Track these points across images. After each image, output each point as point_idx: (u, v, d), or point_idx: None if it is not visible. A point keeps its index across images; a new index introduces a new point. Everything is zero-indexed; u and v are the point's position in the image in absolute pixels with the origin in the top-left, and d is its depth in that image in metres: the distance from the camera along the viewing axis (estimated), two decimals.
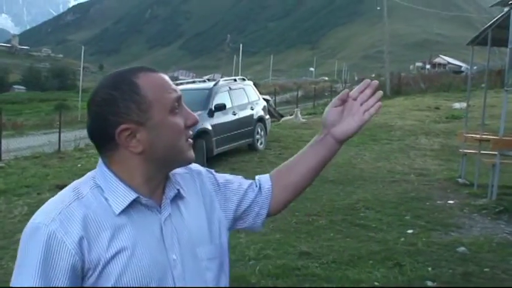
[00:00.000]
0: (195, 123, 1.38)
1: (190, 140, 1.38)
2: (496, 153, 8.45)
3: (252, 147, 13.76)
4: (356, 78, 56.49)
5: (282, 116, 23.28)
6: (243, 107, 13.57)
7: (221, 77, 19.84)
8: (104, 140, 1.31)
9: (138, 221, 1.31)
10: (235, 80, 14.70)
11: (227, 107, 12.61)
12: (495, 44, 10.30)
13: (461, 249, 6.07)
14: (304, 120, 21.20)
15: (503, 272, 5.29)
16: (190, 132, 1.38)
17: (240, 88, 13.99)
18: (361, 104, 1.50)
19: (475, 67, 59.52)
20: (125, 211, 1.29)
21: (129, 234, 1.28)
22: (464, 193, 9.15)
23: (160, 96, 1.31)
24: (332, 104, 1.53)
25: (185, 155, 1.37)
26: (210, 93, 12.45)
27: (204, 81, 16.31)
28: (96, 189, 1.31)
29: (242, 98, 13.80)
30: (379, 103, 1.50)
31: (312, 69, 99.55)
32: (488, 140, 9.25)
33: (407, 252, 6.02)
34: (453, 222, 7.30)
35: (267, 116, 15.14)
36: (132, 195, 1.30)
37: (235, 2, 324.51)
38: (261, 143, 14.21)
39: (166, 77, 1.36)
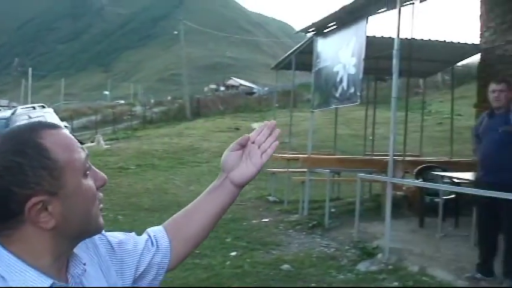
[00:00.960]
0: (105, 183, 1.19)
1: (101, 205, 1.18)
2: (305, 170, 8.94)
3: None
4: (152, 101, 56.39)
5: (82, 143, 22.08)
6: None
7: (8, 103, 18.49)
8: (2, 217, 1.05)
9: None
10: (34, 107, 13.83)
11: None
12: (298, 68, 11.01)
13: (285, 266, 6.27)
14: (107, 146, 20.54)
15: (329, 285, 5.57)
16: (101, 195, 1.18)
17: (40, 116, 13.11)
18: (259, 146, 1.44)
19: (266, 88, 63.32)
20: None
21: None
22: (276, 210, 9.54)
23: (71, 157, 1.10)
24: (231, 148, 1.44)
25: (98, 223, 1.17)
26: (7, 124, 11.50)
27: None
28: None
29: None
30: (276, 142, 1.44)
31: (106, 92, 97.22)
32: (296, 159, 9.77)
33: (235, 276, 6.05)
34: (272, 240, 7.53)
35: None
36: (46, 282, 1.06)
37: (20, 24, 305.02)
38: None
39: (69, 133, 1.15)
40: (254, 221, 8.79)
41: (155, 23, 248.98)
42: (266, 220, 8.82)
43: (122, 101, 71.98)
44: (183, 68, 40.07)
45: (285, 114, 22.75)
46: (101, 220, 1.18)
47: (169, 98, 68.36)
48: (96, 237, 1.30)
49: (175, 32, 50.45)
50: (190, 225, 1.45)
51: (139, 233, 1.43)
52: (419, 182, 7.64)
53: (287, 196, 10.06)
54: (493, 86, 5.18)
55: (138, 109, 42.73)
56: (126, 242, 1.37)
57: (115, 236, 1.37)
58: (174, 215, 1.49)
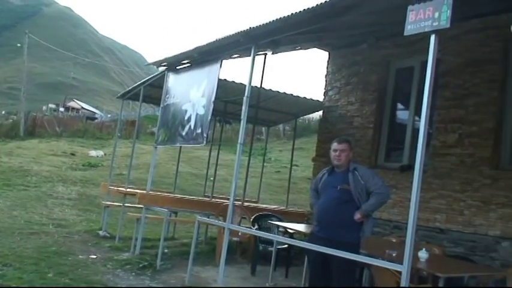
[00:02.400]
0: None
1: None
2: (141, 206, 8.60)
3: None
4: None
5: None
6: None
7: None
8: None
9: None
10: None
11: None
12: (146, 101, 10.74)
13: None
14: None
15: None
16: None
17: None
18: None
19: (109, 115, 61.55)
20: None
21: None
22: (106, 247, 9.05)
23: None
24: None
25: None
26: None
27: None
28: None
29: None
30: None
31: None
32: (133, 194, 9.39)
33: None
34: (98, 279, 7.06)
35: None
36: None
37: None
38: None
39: None
40: (81, 257, 8.21)
41: None
42: (94, 256, 8.29)
43: None
44: (22, 83, 37.46)
45: (125, 145, 22.19)
46: None
47: (3, 112, 63.91)
48: None
49: (19, 45, 47.51)
50: None
51: None
52: (256, 231, 7.64)
53: (119, 232, 9.60)
54: (334, 145, 5.33)
55: None
56: None
57: None
58: None
